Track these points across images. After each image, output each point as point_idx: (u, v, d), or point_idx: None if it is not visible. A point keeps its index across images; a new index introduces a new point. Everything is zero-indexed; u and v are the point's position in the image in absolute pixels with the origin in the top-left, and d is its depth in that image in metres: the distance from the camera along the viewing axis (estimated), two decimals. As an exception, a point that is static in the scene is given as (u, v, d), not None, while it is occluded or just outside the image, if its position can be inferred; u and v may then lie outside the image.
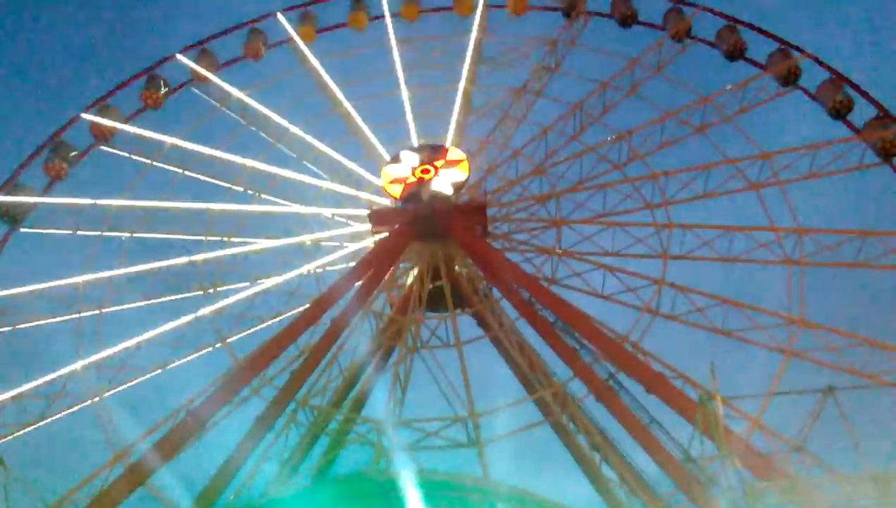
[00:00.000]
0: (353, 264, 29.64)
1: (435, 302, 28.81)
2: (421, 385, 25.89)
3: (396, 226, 29.93)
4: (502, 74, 35.20)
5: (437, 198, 29.87)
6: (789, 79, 31.17)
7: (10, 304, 26.15)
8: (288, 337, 25.73)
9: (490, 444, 23.10)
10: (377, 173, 31.53)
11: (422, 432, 23.72)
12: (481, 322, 28.79)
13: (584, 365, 25.75)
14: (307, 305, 27.44)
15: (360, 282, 28.17)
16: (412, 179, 30.40)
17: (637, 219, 29.07)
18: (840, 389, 20.41)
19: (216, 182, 31.38)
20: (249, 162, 31.54)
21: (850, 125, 29.26)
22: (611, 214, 28.93)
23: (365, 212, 31.18)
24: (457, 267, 29.87)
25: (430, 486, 16.72)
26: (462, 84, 33.81)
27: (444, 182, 30.04)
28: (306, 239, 30.23)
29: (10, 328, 25.92)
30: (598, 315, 26.59)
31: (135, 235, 29.14)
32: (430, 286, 28.66)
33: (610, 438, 25.57)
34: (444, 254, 29.55)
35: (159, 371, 25.76)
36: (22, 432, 23.70)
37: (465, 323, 28.59)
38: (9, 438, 23.34)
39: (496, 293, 29.42)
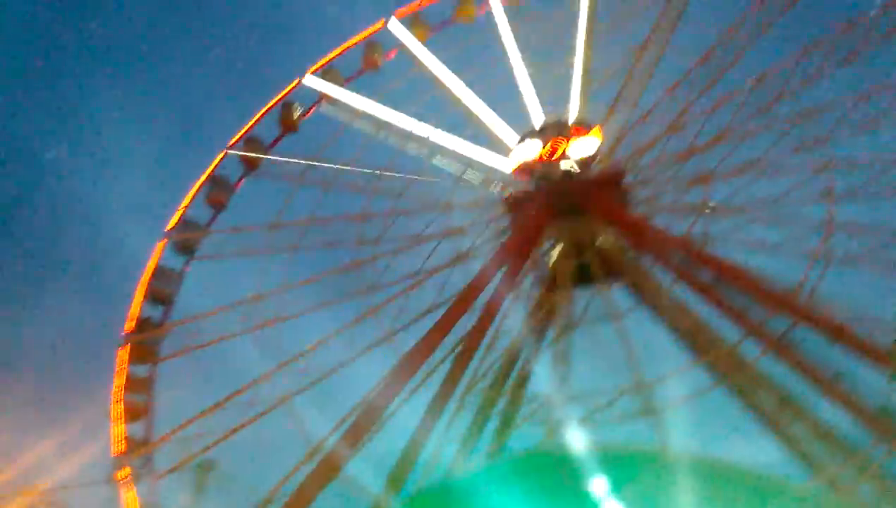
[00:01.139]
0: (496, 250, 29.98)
1: (584, 276, 28.51)
2: (582, 361, 25.73)
3: (533, 208, 29.91)
4: (622, 35, 34.14)
5: (570, 173, 29.62)
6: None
7: (198, 325, 28.92)
8: (446, 326, 26.42)
9: (665, 412, 22.52)
10: (506, 159, 31.72)
11: (591, 406, 23.56)
12: (635, 291, 28.13)
13: (755, 322, 24.43)
14: (459, 294, 28.07)
15: (505, 266, 28.43)
16: (543, 158, 30.35)
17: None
18: None
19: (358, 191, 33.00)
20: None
21: None
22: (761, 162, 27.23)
23: (499, 195, 31.48)
24: (601, 240, 29.40)
25: (607, 458, 16.53)
26: (579, 52, 33.13)
27: (575, 156, 29.70)
28: (449, 231, 31.00)
29: (201, 346, 28.75)
30: (763, 269, 25.08)
31: (297, 249, 31.23)
32: (577, 261, 28.42)
33: (793, 395, 24.06)
34: (587, 229, 29.17)
35: (337, 369, 27.50)
36: (226, 438, 26.16)
37: (619, 295, 28.06)
38: (216, 444, 25.84)
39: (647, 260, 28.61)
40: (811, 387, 23.48)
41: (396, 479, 22.24)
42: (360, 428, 23.82)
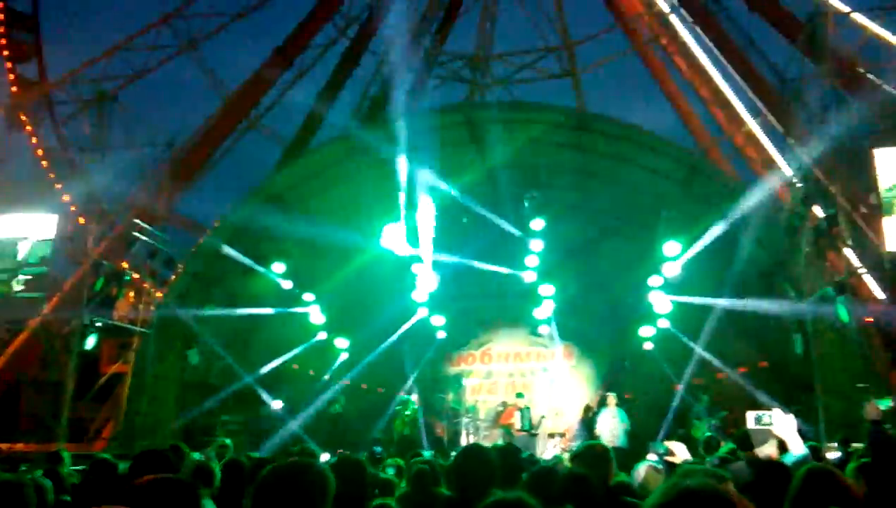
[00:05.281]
0: None
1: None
2: (510, 15, 24.66)
3: None
4: None
5: None
6: None
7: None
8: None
9: (584, 73, 22.70)
10: None
11: (514, 65, 23.34)
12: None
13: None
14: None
15: None
16: None
17: None
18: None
19: None
20: None
21: None
22: None
23: None
24: None
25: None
26: None
27: None
28: None
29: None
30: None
31: None
32: None
33: (702, 64, 24.51)
34: None
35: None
36: (130, 81, 24.62)
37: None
38: (124, 85, 24.34)
39: None
40: (722, 57, 23.93)
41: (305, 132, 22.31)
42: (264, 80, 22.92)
